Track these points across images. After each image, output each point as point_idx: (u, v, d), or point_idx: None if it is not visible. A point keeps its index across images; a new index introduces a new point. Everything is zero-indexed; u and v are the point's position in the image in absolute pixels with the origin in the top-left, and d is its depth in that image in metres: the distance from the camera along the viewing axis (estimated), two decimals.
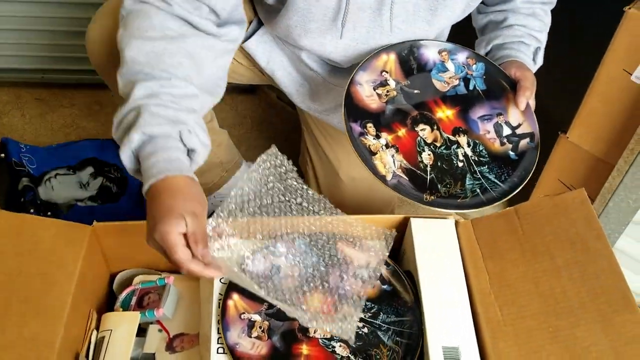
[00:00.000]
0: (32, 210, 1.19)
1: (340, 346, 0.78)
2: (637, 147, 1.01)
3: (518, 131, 0.88)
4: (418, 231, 0.89)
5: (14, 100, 1.54)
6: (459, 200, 0.81)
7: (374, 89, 0.87)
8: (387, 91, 0.86)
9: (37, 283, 0.77)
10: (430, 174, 0.81)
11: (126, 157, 0.69)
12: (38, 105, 1.54)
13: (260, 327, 0.79)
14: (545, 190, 1.29)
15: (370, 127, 0.83)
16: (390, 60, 0.89)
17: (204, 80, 0.75)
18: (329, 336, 0.79)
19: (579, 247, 0.80)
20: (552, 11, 0.99)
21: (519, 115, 0.89)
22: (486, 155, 0.85)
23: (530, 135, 0.88)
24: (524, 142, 0.87)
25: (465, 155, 0.84)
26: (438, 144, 0.84)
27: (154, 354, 0.84)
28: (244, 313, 0.81)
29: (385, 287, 0.85)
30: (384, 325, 0.81)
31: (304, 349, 0.78)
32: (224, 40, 0.78)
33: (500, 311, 0.78)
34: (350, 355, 0.78)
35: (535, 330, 0.75)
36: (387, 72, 0.89)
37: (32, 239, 0.81)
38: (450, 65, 0.91)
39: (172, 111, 0.68)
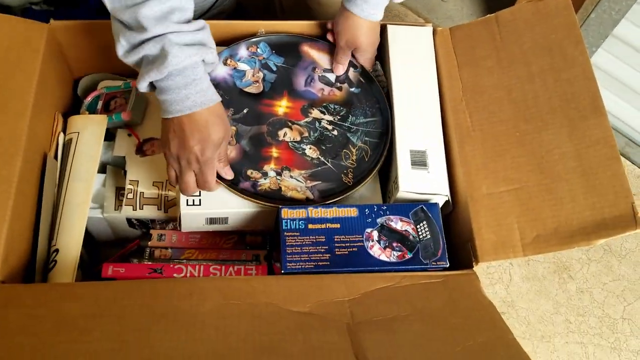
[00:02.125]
0: None
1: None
2: None
3: None
4: (394, 39, 0.86)
5: None
6: (366, 161, 0.79)
7: None
8: None
9: None
10: (327, 161, 0.79)
11: (146, 85, 0.67)
12: None
13: None
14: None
15: (252, 172, 0.76)
16: None
17: None
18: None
19: (556, 54, 0.78)
20: None
21: (326, 57, 0.86)
22: (341, 108, 0.83)
23: (350, 63, 0.86)
24: (352, 73, 0.85)
25: (330, 122, 0.81)
26: (306, 134, 0.80)
27: (124, 157, 0.84)
28: None
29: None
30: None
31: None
32: None
33: (470, 118, 0.79)
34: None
35: (502, 135, 0.76)
36: None
37: None
38: (242, 65, 0.83)
39: (191, 36, 0.66)
